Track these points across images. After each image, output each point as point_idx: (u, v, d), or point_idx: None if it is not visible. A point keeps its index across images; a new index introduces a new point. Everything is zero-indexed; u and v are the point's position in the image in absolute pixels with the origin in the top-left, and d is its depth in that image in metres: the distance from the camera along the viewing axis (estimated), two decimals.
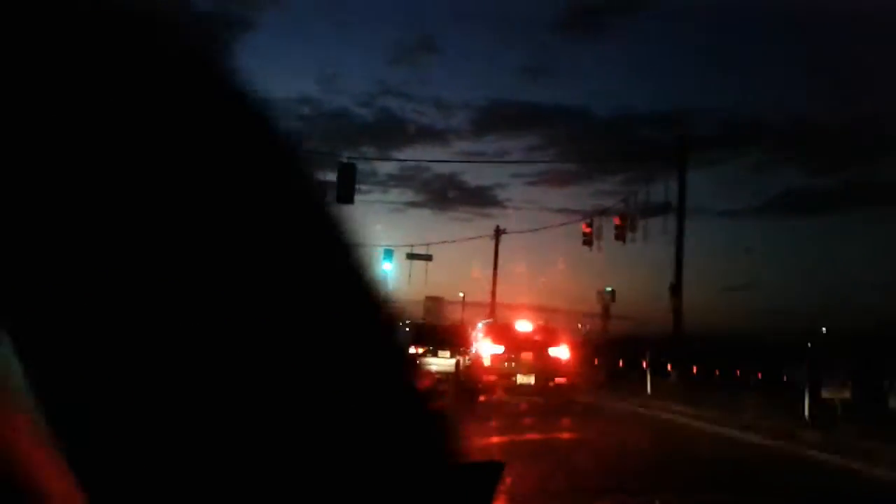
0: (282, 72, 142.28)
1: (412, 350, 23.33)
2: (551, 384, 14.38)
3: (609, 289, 29.44)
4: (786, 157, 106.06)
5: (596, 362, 37.79)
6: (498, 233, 43.54)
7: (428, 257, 41.05)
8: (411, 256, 40.88)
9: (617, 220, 29.74)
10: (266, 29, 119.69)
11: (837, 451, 10.29)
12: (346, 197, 22.35)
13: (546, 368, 14.42)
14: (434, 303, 43.62)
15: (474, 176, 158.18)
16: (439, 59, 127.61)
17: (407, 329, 24.60)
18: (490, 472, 0.99)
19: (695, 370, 37.26)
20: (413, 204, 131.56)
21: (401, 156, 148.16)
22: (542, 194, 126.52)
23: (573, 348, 15.43)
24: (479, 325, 17.04)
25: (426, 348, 20.80)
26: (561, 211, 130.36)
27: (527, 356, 14.53)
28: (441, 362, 20.13)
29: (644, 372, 21.77)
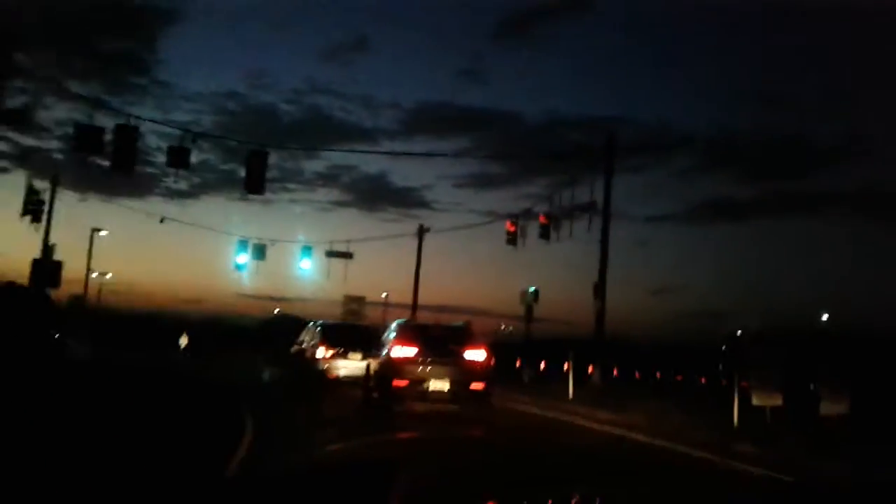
0: (210, 66, 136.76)
1: (321, 352, 22.58)
2: (467, 390, 13.52)
3: (532, 289, 28.61)
4: (710, 165, 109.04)
5: (518, 364, 37.09)
6: (421, 231, 42.34)
7: (348, 255, 39.46)
8: (331, 254, 39.21)
9: (542, 219, 28.99)
10: (196, 22, 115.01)
11: (766, 465, 9.51)
12: (255, 186, 20.69)
13: (462, 373, 13.55)
14: (354, 302, 42.16)
15: (402, 177, 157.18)
16: (372, 60, 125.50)
17: (318, 329, 23.23)
18: (383, 471, 1.07)
19: (615, 373, 36.88)
20: (340, 203, 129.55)
21: (330, 155, 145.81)
22: (468, 197, 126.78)
23: (490, 351, 14.47)
24: (392, 325, 15.80)
25: (336, 350, 20.22)
26: (488, 213, 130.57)
27: (441, 360, 13.60)
28: (350, 364, 19.54)
29: (566, 375, 20.86)
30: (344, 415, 14.00)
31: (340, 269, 39.72)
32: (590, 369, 25.56)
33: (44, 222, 29.66)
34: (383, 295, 64.93)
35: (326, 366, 19.95)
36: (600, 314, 25.90)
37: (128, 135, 18.92)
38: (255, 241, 37.75)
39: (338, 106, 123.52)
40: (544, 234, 28.65)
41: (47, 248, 32.83)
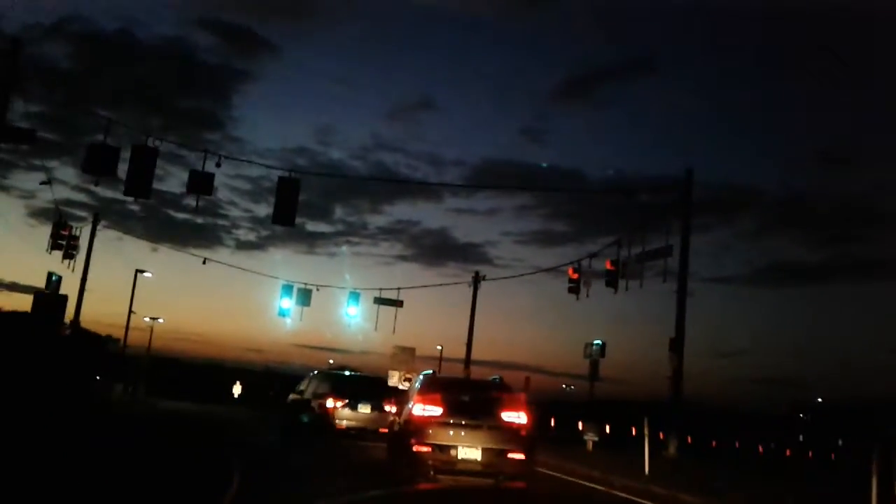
0: (281, 123, 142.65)
1: (329, 402, 20.83)
2: (503, 460, 11.26)
3: (598, 342, 25.47)
4: (778, 226, 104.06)
5: (581, 427, 33.61)
6: (476, 280, 39.68)
7: (398, 303, 37.03)
8: (379, 301, 36.85)
9: (609, 265, 26.02)
10: (268, 81, 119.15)
11: None
12: (285, 217, 18.49)
13: (498, 439, 11.34)
14: (403, 353, 39.46)
15: (464, 233, 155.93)
16: (437, 118, 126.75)
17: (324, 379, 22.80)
18: None
19: (689, 440, 32.87)
20: (402, 258, 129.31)
21: (393, 210, 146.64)
22: (531, 253, 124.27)
23: (532, 413, 12.06)
24: (419, 377, 13.53)
25: (344, 401, 21.19)
26: (550, 271, 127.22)
27: (473, 422, 11.38)
28: (356, 415, 20.78)
29: (634, 441, 17.64)
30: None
31: (391, 320, 37.33)
32: (660, 436, 22.26)
33: (60, 255, 28.09)
34: (437, 348, 62.35)
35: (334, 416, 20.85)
36: (677, 372, 22.60)
37: (146, 156, 17.04)
38: (300, 286, 35.76)
39: (403, 162, 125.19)
40: (611, 281, 25.65)
41: (84, 283, 31.39)
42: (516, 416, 11.57)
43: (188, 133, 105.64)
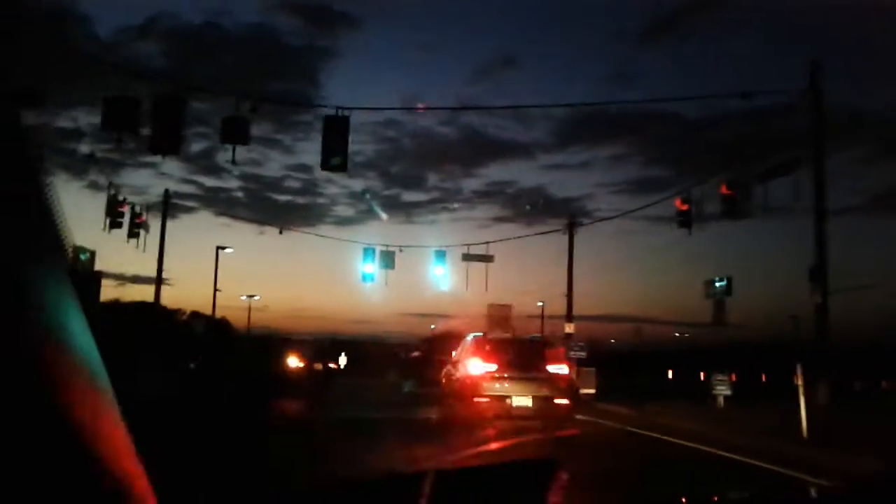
0: (368, 96, 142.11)
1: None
2: (551, 405, 12.89)
3: (721, 281, 21.78)
4: (890, 152, 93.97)
5: (703, 379, 29.96)
6: (572, 225, 36.27)
7: (487, 258, 34.20)
8: (468, 258, 34.12)
9: (724, 190, 22.19)
10: (350, 56, 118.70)
11: None
12: (335, 162, 15.89)
13: (545, 388, 12.94)
14: (500, 311, 36.78)
15: (560, 188, 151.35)
16: (519, 74, 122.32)
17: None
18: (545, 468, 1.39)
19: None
20: (499, 219, 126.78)
21: (486, 172, 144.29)
22: (629, 203, 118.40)
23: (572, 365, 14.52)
24: (467, 339, 14.96)
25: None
26: (651, 219, 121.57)
27: (523, 375, 12.94)
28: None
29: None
30: None
31: (482, 279, 34.65)
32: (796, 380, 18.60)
33: (135, 237, 26.74)
34: (538, 304, 59.35)
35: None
36: (821, 308, 18.80)
37: (171, 106, 14.77)
38: (383, 248, 33.50)
39: (491, 123, 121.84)
40: (729, 210, 21.87)
41: (161, 263, 30.22)
42: (559, 368, 13.21)
43: (280, 116, 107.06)
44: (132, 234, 26.27)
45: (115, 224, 26.09)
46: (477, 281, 35.43)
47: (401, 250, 33.62)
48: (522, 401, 12.57)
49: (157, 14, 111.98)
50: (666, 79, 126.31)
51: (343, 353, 76.01)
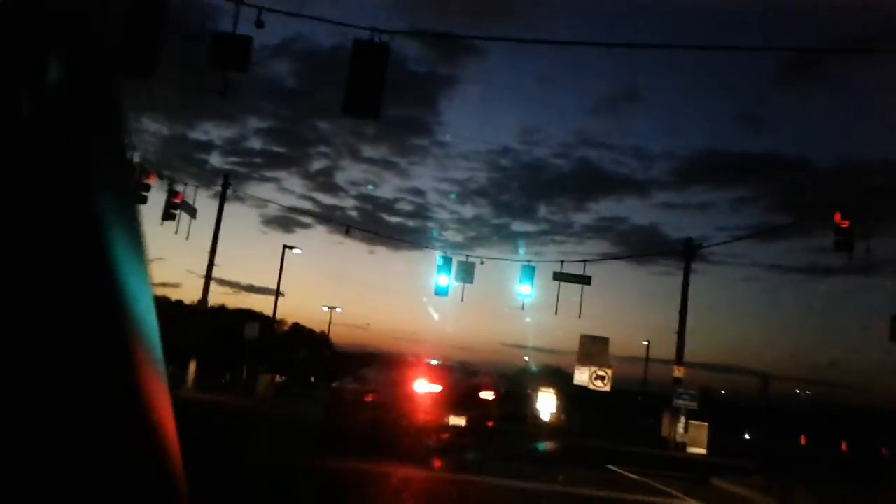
0: (485, 125, 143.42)
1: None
2: (481, 426, 14.88)
3: None
4: None
5: (844, 449, 23.52)
6: (690, 248, 30.52)
7: (584, 279, 29.01)
8: (560, 277, 29.07)
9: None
10: (472, 85, 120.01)
11: None
12: (363, 102, 11.56)
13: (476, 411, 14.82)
14: (594, 345, 31.35)
15: (675, 229, 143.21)
16: (642, 109, 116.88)
17: None
18: None
19: None
20: (609, 256, 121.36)
21: (598, 207, 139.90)
22: (749, 248, 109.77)
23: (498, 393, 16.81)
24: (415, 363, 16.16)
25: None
26: (772, 267, 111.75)
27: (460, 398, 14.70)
28: None
29: None
30: None
31: (580, 313, 29.35)
32: None
33: (180, 229, 23.55)
34: (643, 343, 53.01)
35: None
36: None
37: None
38: (461, 259, 29.02)
39: (608, 158, 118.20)
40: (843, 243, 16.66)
41: (212, 260, 26.94)
42: (487, 395, 15.48)
43: (398, 141, 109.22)
44: (168, 215, 23.14)
45: (169, 216, 23.37)
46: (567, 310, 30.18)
47: (482, 262, 29.10)
48: (458, 420, 14.37)
49: (294, 36, 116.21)
50: (796, 122, 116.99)
51: None
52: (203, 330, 27.59)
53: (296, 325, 78.22)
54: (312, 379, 51.98)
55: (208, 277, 27.15)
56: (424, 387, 14.28)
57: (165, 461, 0.85)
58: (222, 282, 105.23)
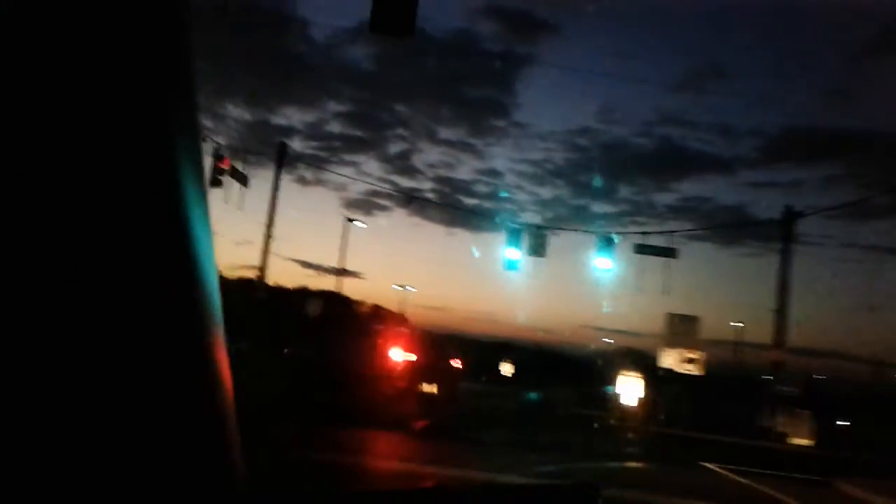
0: (563, 105, 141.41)
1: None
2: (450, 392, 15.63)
3: None
4: None
5: None
6: (790, 217, 27.13)
7: (669, 252, 26.14)
8: (643, 250, 26.26)
9: None
10: (548, 64, 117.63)
11: None
12: (392, 18, 9.41)
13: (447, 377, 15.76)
14: (682, 325, 28.40)
15: (763, 209, 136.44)
16: (727, 85, 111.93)
17: None
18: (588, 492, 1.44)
19: None
20: (694, 237, 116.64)
21: (680, 187, 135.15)
22: (842, 229, 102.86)
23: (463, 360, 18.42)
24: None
25: None
26: (869, 248, 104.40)
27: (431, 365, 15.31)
28: None
29: None
30: None
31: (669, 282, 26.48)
32: None
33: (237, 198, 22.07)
34: (733, 325, 49.21)
35: None
36: None
37: None
38: (532, 230, 26.61)
39: (692, 136, 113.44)
40: None
41: (269, 234, 25.48)
42: (455, 363, 16.88)
43: (475, 122, 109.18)
44: (214, 181, 21.63)
45: (216, 181, 21.91)
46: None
47: (556, 233, 26.63)
48: (430, 388, 14.95)
49: (367, 18, 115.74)
50: (892, 95, 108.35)
51: (508, 361, 70.07)
52: (269, 308, 26.23)
53: (376, 307, 78.23)
54: None
55: (266, 251, 25.73)
56: (400, 355, 14.54)
57: (226, 433, 0.86)
58: (307, 264, 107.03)
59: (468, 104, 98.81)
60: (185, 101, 0.82)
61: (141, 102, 0.76)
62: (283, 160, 26.22)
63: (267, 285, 26.90)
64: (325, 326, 19.12)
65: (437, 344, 16.79)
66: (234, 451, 0.86)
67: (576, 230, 28.38)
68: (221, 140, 24.25)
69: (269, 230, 25.59)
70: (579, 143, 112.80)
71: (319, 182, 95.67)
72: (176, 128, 0.80)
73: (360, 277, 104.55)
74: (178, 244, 0.78)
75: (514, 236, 26.49)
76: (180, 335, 0.79)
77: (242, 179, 23.23)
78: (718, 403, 36.96)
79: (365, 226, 35.85)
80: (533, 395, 31.48)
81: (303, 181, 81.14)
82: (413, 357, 14.57)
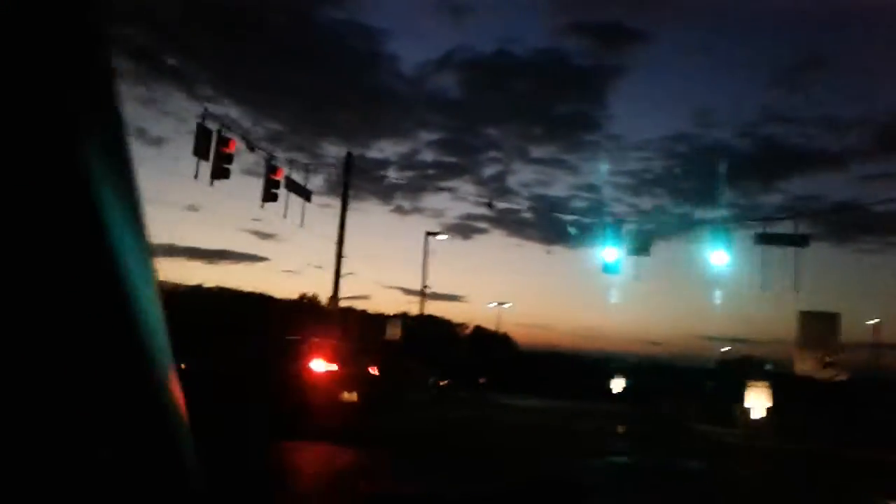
0: (657, 112, 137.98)
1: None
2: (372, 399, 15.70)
3: None
4: None
5: None
6: None
7: (799, 240, 22.43)
8: (766, 239, 22.67)
9: None
10: (640, 73, 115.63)
11: None
12: None
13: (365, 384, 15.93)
14: (819, 324, 24.41)
15: (881, 203, 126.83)
16: (828, 76, 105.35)
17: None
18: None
19: None
20: (835, 209, 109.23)
21: (787, 186, 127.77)
22: None
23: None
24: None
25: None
26: None
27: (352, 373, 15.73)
28: None
29: None
30: None
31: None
32: None
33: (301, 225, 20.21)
34: (873, 322, 43.69)
35: None
36: None
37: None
38: (640, 228, 23.55)
39: (796, 132, 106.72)
40: None
41: (340, 257, 23.61)
42: (373, 370, 16.82)
43: (567, 138, 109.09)
44: (268, 196, 19.85)
45: (270, 196, 20.25)
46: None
47: (661, 239, 23.51)
48: (350, 397, 15.16)
49: (454, 48, 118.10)
50: None
51: (618, 376, 65.98)
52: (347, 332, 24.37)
53: (477, 328, 76.89)
54: (482, 381, 48.29)
55: (337, 273, 23.86)
56: (321, 366, 14.71)
57: (175, 445, 0.85)
58: (406, 290, 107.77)
59: (559, 121, 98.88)
60: (100, 99, 0.79)
61: (49, 105, 0.74)
62: (350, 170, 24.40)
63: (341, 309, 24.99)
64: (238, 338, 18.03)
65: (358, 352, 17.55)
66: (189, 464, 0.84)
67: (683, 229, 25.05)
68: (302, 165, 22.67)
69: (340, 248, 23.71)
70: (677, 149, 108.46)
71: (417, 210, 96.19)
72: (93, 131, 0.77)
73: (461, 300, 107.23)
74: (96, 254, 0.75)
75: (613, 235, 23.50)
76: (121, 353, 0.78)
77: (304, 193, 21.42)
78: (870, 412, 32.04)
79: (446, 237, 33.76)
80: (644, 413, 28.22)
81: (401, 210, 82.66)
82: (334, 367, 14.87)
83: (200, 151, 17.70)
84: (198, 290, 40.36)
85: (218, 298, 38.76)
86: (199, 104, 47.45)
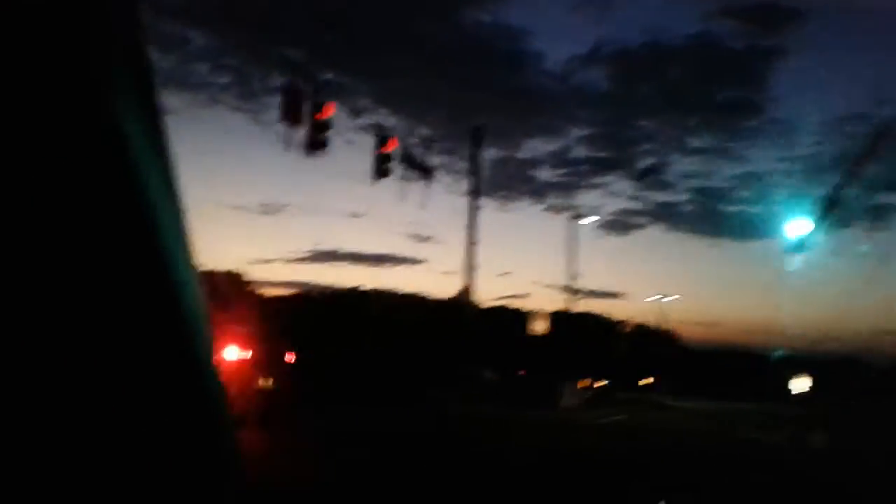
0: (825, 92, 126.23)
1: None
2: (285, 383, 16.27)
3: None
4: None
5: None
6: None
7: None
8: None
9: None
10: (800, 52, 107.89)
11: None
12: None
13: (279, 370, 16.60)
14: None
15: None
16: None
17: None
18: None
19: None
20: None
21: None
22: None
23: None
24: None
25: None
26: None
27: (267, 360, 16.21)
28: None
29: None
30: None
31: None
32: None
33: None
34: None
35: None
36: None
37: None
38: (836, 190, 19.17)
39: None
40: None
41: (472, 238, 21.23)
42: (290, 358, 18.14)
43: (727, 126, 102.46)
44: (380, 171, 17.58)
45: (381, 172, 18.11)
46: None
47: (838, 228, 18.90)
48: (265, 383, 15.57)
49: (600, 41, 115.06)
50: None
51: (803, 375, 58.99)
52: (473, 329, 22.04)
53: (639, 326, 72.69)
54: (646, 382, 44.33)
55: (470, 266, 21.51)
56: (235, 353, 14.74)
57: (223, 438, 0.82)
58: (563, 289, 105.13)
59: (717, 108, 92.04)
60: (137, 87, 0.77)
61: (89, 98, 0.71)
62: (480, 143, 21.94)
63: (474, 306, 22.64)
64: None
65: (274, 337, 17.36)
66: (232, 459, 0.82)
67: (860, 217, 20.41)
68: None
69: (471, 235, 21.24)
70: (851, 130, 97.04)
71: (571, 207, 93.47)
72: (132, 122, 0.74)
73: (620, 297, 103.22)
74: (139, 244, 0.73)
75: (801, 205, 19.24)
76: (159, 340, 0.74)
77: (424, 170, 19.10)
78: None
79: (597, 217, 30.59)
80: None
81: (555, 209, 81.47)
82: (248, 354, 14.78)
83: (289, 117, 15.66)
84: (353, 291, 42.56)
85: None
86: (356, 117, 47.50)
